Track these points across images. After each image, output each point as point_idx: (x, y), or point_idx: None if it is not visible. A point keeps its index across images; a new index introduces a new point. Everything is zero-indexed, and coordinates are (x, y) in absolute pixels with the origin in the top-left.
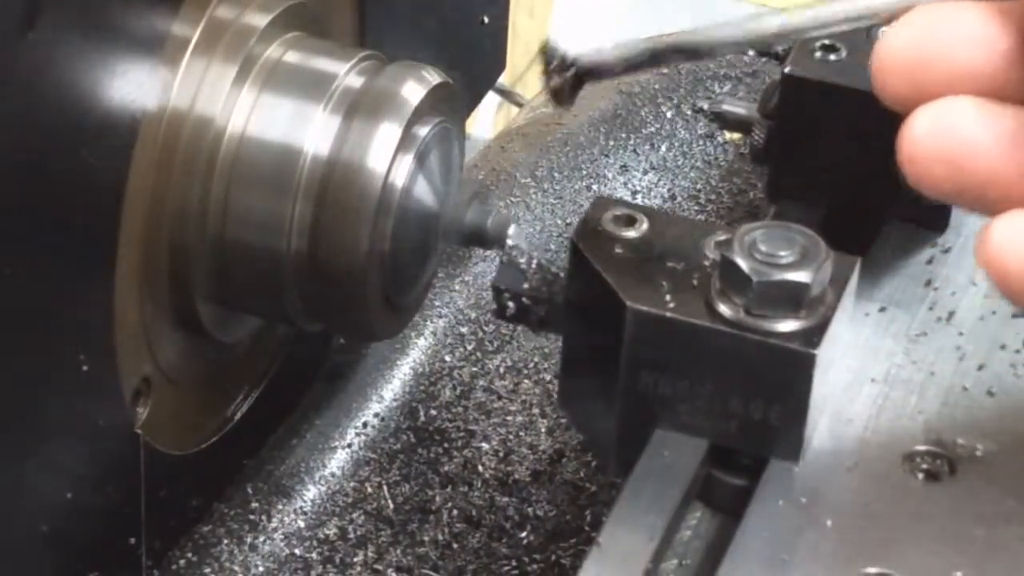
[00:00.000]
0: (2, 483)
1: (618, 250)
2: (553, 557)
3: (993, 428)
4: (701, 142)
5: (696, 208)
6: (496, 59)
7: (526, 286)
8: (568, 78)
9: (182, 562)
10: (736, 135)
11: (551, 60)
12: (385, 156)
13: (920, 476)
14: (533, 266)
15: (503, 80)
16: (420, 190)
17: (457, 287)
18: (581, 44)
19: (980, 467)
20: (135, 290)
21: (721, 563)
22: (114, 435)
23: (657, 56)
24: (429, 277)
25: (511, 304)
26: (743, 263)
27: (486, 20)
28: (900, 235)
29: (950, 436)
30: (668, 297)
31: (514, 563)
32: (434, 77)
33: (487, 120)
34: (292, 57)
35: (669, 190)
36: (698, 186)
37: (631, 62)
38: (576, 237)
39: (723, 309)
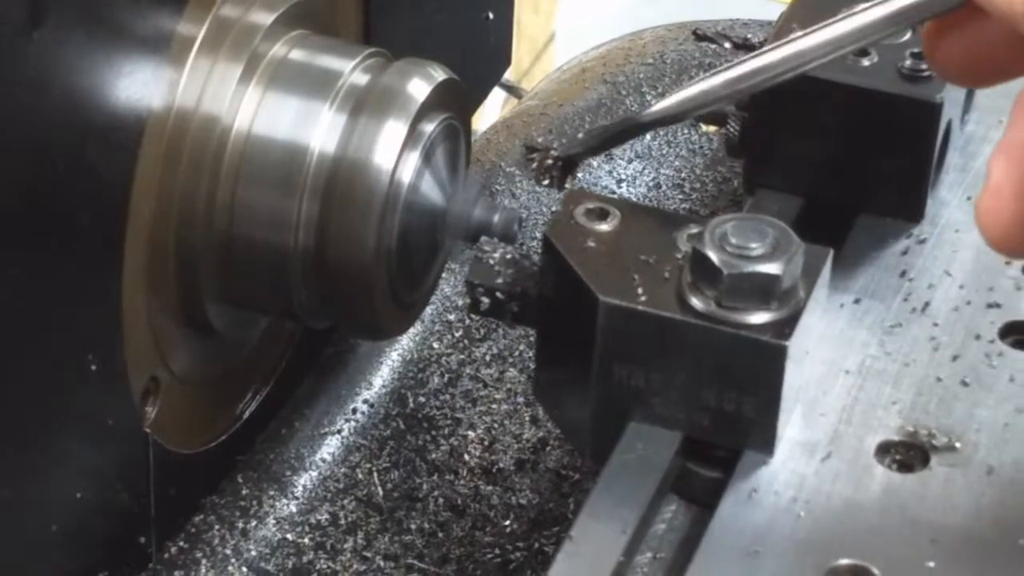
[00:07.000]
0: (12, 482)
1: (590, 243)
2: (536, 545)
3: (967, 419)
4: (686, 131)
5: (681, 196)
6: (501, 55)
7: (499, 281)
8: (556, 167)
9: (174, 550)
10: (712, 128)
11: (534, 158)
12: (391, 153)
13: (894, 467)
14: (506, 260)
15: (508, 75)
16: (426, 186)
17: (445, 275)
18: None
19: (954, 458)
20: (142, 289)
21: (694, 555)
22: (123, 434)
23: (622, 135)
24: (436, 273)
25: (485, 299)
26: (714, 256)
27: (491, 16)
28: (875, 226)
29: (924, 427)
30: (640, 290)
31: (497, 551)
32: (439, 73)
33: (493, 115)
34: (297, 55)
35: (654, 178)
36: (683, 175)
37: (605, 144)
38: (549, 231)
39: (694, 302)
